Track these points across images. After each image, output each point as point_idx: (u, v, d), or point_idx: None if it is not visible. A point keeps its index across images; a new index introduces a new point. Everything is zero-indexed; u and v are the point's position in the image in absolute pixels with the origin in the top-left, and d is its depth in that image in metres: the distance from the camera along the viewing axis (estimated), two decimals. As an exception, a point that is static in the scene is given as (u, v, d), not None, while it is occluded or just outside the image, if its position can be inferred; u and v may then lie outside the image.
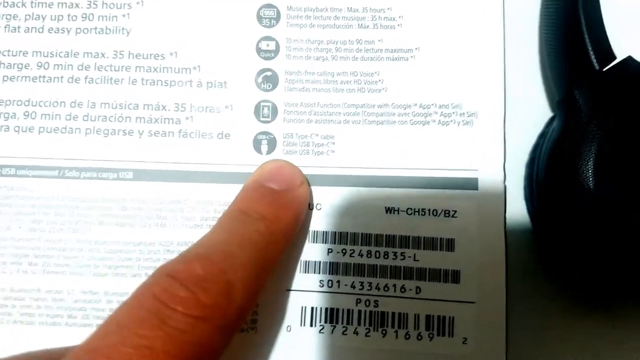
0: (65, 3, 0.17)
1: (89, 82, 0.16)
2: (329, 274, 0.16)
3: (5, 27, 0.17)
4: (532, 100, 0.19)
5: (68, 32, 0.17)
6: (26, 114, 0.16)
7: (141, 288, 0.12)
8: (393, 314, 0.16)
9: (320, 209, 0.16)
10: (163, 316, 0.12)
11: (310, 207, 0.16)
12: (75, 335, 0.15)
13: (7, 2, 0.17)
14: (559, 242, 0.16)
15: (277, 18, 0.17)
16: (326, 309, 0.16)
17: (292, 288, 0.16)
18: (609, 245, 0.15)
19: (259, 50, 0.17)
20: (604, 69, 0.18)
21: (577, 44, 0.18)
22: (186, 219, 0.16)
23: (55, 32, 0.17)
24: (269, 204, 0.15)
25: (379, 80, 0.16)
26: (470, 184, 0.16)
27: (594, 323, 0.17)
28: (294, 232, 0.15)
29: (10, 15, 0.17)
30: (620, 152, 0.16)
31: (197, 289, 0.12)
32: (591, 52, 0.18)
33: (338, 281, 0.16)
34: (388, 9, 0.17)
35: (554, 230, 0.16)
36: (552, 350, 0.16)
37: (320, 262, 0.16)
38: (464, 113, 0.16)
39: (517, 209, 0.17)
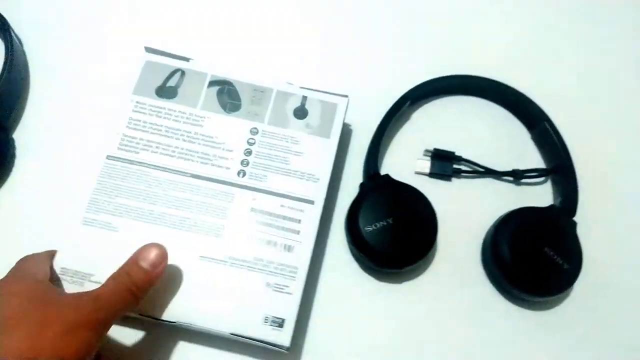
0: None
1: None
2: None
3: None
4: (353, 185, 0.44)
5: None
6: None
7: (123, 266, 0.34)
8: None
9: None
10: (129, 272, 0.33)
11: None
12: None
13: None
14: (353, 246, 0.40)
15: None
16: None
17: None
18: (376, 247, 0.39)
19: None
20: (375, 176, 0.41)
21: (368, 163, 0.43)
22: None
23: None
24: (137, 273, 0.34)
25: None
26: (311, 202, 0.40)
27: (373, 280, 0.42)
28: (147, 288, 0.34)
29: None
30: (373, 209, 0.40)
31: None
32: (371, 168, 0.42)
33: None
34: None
35: (349, 239, 0.41)
36: (351, 295, 0.42)
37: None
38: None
39: (338, 228, 0.44)
